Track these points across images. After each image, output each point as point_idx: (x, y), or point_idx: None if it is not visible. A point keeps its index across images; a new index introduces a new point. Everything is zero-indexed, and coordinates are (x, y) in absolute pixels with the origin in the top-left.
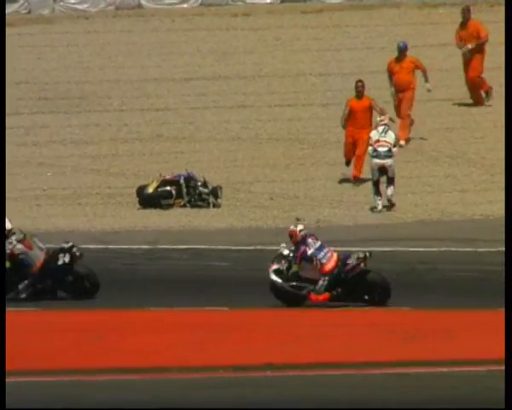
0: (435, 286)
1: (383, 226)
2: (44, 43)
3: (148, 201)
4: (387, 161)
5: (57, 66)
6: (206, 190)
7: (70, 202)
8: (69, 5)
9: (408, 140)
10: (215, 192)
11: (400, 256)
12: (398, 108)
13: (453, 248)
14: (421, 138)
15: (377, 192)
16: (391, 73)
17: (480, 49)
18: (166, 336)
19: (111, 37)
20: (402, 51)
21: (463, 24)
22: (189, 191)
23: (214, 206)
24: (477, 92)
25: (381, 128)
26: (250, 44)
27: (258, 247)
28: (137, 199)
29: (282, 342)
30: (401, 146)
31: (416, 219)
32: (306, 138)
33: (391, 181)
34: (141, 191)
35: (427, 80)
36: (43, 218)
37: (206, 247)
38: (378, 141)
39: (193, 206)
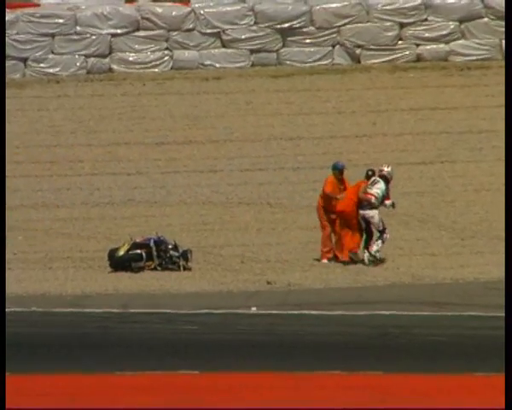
0: (407, 350)
1: (354, 290)
2: (16, 107)
3: (118, 264)
4: (367, 212)
5: (28, 130)
6: (176, 254)
7: (41, 265)
8: (40, 69)
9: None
10: (185, 255)
11: (372, 320)
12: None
13: (424, 312)
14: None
15: (364, 244)
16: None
17: None
18: (138, 399)
19: (82, 101)
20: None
21: None
22: (159, 254)
23: (185, 269)
24: None
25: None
26: (221, 108)
27: (229, 310)
28: (109, 262)
29: (254, 405)
30: None
31: (387, 282)
32: (277, 202)
33: (379, 235)
34: (112, 254)
35: None
36: (15, 282)
37: (177, 311)
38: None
39: (163, 269)
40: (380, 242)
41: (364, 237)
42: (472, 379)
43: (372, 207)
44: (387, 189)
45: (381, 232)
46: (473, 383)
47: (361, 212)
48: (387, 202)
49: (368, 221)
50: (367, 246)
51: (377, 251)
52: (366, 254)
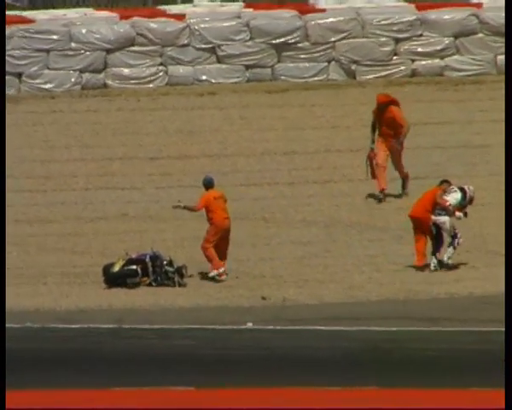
0: (401, 365)
1: (348, 305)
2: (10, 122)
3: (113, 279)
4: (439, 218)
5: (23, 145)
6: (171, 269)
7: (35, 281)
8: (35, 85)
9: None
10: (180, 271)
11: (365, 335)
12: None
13: (418, 328)
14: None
15: (433, 250)
16: None
17: None
18: None
19: (76, 116)
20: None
21: None
22: (154, 270)
23: (180, 285)
24: None
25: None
26: (215, 123)
27: (224, 326)
28: (103, 278)
29: None
30: None
31: (381, 297)
32: (272, 217)
33: (451, 241)
34: (107, 270)
35: None
36: (8, 297)
37: (172, 326)
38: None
39: (159, 284)
40: (451, 248)
41: (433, 242)
42: (467, 394)
43: (446, 213)
44: (463, 202)
45: (453, 237)
46: (468, 398)
47: (433, 217)
48: (458, 214)
49: (439, 227)
50: (435, 252)
51: (449, 258)
52: (433, 261)
